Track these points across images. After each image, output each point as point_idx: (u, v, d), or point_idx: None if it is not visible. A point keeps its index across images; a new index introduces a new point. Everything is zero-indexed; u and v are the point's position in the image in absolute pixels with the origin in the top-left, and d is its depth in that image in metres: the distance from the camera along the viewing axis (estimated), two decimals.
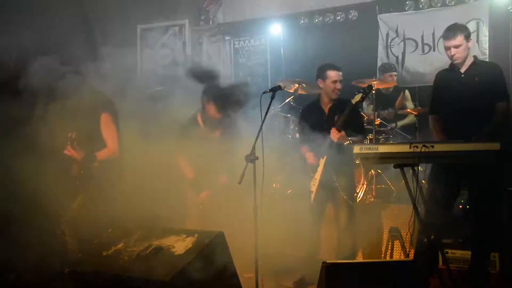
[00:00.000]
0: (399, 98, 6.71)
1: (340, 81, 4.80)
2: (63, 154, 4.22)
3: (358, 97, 4.61)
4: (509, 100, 4.29)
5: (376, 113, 6.19)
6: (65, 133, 4.20)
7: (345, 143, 4.63)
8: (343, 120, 4.60)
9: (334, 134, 4.58)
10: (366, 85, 5.05)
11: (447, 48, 4.28)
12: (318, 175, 4.68)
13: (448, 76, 4.41)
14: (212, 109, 4.84)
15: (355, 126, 4.75)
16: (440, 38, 6.93)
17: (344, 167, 4.66)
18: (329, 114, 4.83)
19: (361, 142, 4.81)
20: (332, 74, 4.78)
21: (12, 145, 4.10)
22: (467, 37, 4.26)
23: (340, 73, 4.80)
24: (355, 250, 4.85)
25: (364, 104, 6.70)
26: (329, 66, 4.84)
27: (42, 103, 4.19)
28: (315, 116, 4.89)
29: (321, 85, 4.87)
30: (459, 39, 4.21)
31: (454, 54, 4.24)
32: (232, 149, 4.50)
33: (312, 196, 4.70)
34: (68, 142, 4.19)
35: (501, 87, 4.26)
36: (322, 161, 4.66)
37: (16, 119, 4.16)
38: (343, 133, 4.60)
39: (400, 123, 6.73)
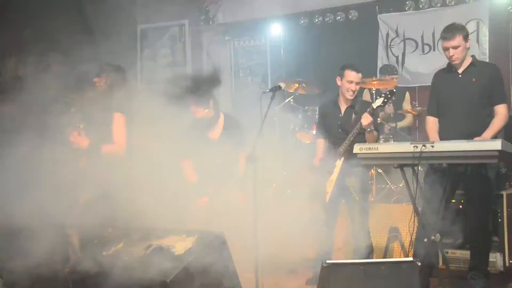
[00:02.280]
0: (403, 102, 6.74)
1: (357, 83, 4.69)
2: (71, 146, 4.26)
3: (379, 101, 4.53)
4: (507, 102, 4.27)
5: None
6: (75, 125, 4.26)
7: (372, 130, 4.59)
8: (355, 132, 4.57)
9: (366, 119, 4.49)
10: (370, 83, 5.00)
11: (446, 49, 4.25)
12: (334, 176, 4.64)
13: (446, 76, 4.39)
14: (194, 109, 4.83)
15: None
16: (440, 38, 6.94)
17: (355, 168, 4.59)
18: (345, 114, 4.79)
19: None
20: (350, 74, 4.68)
21: (20, 138, 4.10)
22: (466, 37, 4.22)
23: (359, 74, 4.69)
24: (371, 250, 4.77)
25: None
26: (349, 66, 4.74)
27: (53, 95, 4.20)
28: (331, 114, 4.86)
29: (338, 83, 4.79)
30: (458, 39, 4.18)
31: (453, 55, 4.21)
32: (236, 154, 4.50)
33: (327, 196, 4.68)
34: (75, 131, 4.24)
35: (499, 89, 4.23)
36: (339, 162, 4.63)
37: (23, 112, 4.16)
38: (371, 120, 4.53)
39: (400, 125, 6.73)
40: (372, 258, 4.71)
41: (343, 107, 4.82)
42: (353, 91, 4.70)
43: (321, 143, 4.89)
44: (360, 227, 4.68)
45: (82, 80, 4.38)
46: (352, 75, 4.67)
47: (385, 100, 4.53)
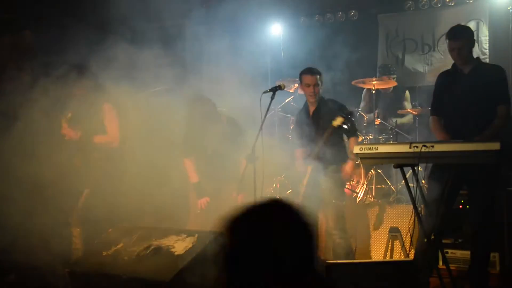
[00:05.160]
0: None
1: (315, 85, 4.70)
2: (65, 142, 4.28)
3: (339, 120, 4.51)
4: (510, 103, 4.27)
5: (376, 112, 6.20)
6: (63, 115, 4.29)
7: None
8: (326, 137, 4.55)
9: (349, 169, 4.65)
10: (370, 83, 4.94)
11: (451, 49, 4.26)
12: (305, 181, 4.66)
13: (451, 76, 4.39)
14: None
15: (346, 131, 4.71)
16: (440, 38, 6.94)
17: (329, 168, 4.63)
18: (313, 116, 4.82)
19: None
20: (305, 78, 4.74)
21: (13, 136, 4.10)
22: (471, 38, 4.25)
23: (315, 76, 4.70)
24: (350, 251, 4.72)
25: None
26: (304, 70, 4.79)
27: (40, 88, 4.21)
28: (302, 118, 4.88)
29: (299, 91, 4.88)
30: (463, 40, 4.20)
31: (458, 55, 4.22)
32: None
33: (300, 198, 4.68)
34: (63, 121, 4.28)
35: (503, 90, 4.23)
36: (309, 168, 4.65)
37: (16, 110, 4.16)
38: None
39: (399, 121, 6.73)
40: (353, 259, 4.67)
41: (311, 110, 4.85)
42: (313, 93, 4.73)
43: (299, 152, 4.83)
44: (339, 228, 4.64)
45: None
46: (307, 79, 4.72)
47: (346, 121, 4.51)
